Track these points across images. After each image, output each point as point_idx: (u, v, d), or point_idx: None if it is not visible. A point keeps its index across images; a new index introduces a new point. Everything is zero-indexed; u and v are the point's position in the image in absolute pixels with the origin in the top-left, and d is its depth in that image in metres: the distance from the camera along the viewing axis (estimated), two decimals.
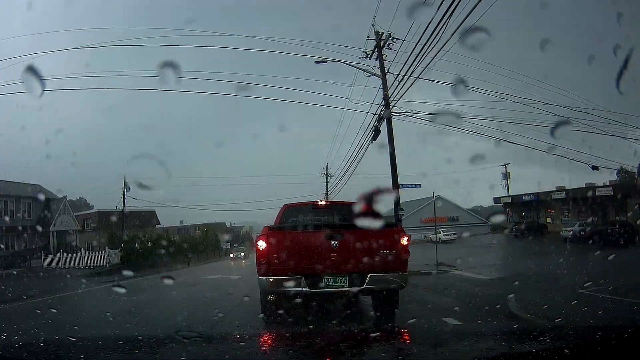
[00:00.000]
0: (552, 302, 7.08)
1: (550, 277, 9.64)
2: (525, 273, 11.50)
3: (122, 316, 7.46)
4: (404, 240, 6.04)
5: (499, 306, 7.14)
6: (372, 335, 2.58)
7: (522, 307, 6.90)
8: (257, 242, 6.08)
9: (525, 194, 43.35)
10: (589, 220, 33.66)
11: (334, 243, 5.87)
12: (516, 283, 9.81)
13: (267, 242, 5.92)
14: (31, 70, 3.10)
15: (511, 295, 7.54)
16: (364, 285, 5.81)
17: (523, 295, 7.79)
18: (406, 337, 2.85)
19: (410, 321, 5.80)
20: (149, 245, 31.76)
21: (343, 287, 5.86)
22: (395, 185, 16.18)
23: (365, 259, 5.75)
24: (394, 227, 6.40)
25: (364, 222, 5.13)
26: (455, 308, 7.52)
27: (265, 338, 3.19)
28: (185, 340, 2.38)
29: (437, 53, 12.30)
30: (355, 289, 5.88)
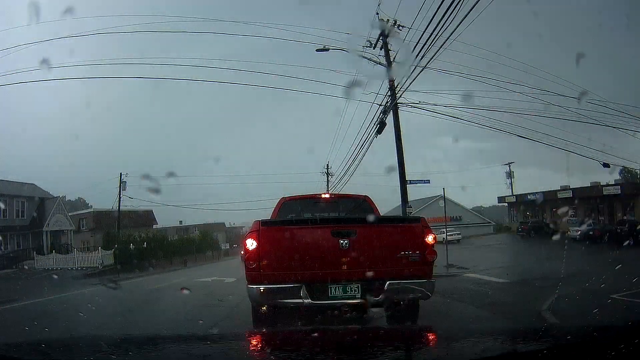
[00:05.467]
0: (589, 310, 6.30)
1: (574, 281, 8.83)
2: (544, 276, 10.68)
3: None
4: (430, 239, 4.85)
5: (534, 319, 6.25)
6: (370, 333, 2.58)
7: (560, 318, 6.08)
8: (245, 240, 4.81)
9: (530, 193, 42.76)
10: (596, 218, 33.14)
11: (344, 242, 4.66)
12: (540, 287, 8.98)
13: (258, 241, 4.69)
14: None
15: (547, 302, 6.67)
16: (381, 296, 4.64)
17: (555, 302, 6.95)
18: (406, 335, 2.76)
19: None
20: (144, 245, 30.89)
21: (354, 297, 4.65)
22: (403, 181, 15.30)
23: (383, 263, 4.64)
24: (417, 222, 5.11)
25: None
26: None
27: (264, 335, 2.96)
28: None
29: (445, 41, 11.71)
30: (369, 300, 4.64)
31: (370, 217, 5.26)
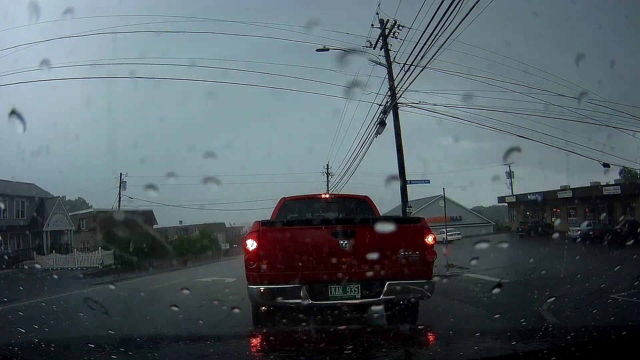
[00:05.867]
0: (589, 310, 6.29)
1: (574, 281, 8.80)
2: (544, 276, 10.63)
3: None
4: (430, 239, 4.90)
5: (534, 319, 6.24)
6: (370, 333, 2.57)
7: (560, 318, 6.07)
8: (245, 240, 4.88)
9: (530, 193, 42.74)
10: (595, 218, 33.12)
11: (344, 243, 4.71)
12: (540, 288, 8.96)
13: (258, 242, 4.77)
14: None
15: (549, 300, 6.67)
16: (381, 296, 4.68)
17: (555, 302, 6.94)
18: (405, 335, 2.71)
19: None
20: (144, 246, 30.83)
21: (354, 298, 4.72)
22: (403, 180, 15.30)
23: (383, 263, 4.64)
24: (416, 222, 5.18)
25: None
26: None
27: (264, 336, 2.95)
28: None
29: (445, 41, 11.75)
30: (369, 301, 4.68)
31: (370, 218, 5.38)
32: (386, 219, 6.63)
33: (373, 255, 4.66)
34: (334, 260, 4.75)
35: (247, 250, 4.83)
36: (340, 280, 4.71)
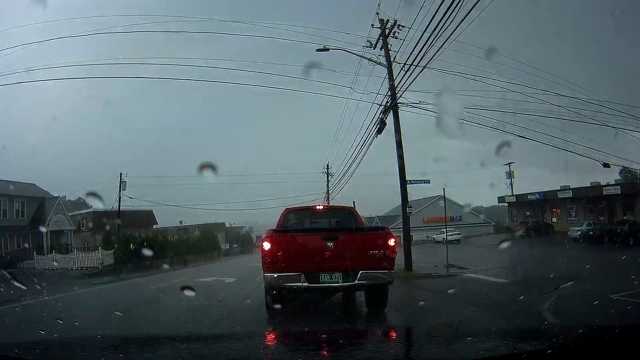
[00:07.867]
0: (589, 310, 6.28)
1: (574, 281, 8.78)
2: (544, 276, 10.62)
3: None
4: (391, 242, 6.74)
5: (534, 319, 6.25)
6: (371, 333, 2.79)
7: (560, 318, 6.07)
8: (262, 243, 6.78)
9: (530, 193, 42.67)
10: (595, 218, 33.11)
11: (330, 244, 6.58)
12: (540, 288, 8.95)
13: (271, 243, 6.58)
14: None
15: (547, 302, 6.68)
16: (356, 281, 6.51)
17: (555, 302, 6.94)
18: (406, 335, 2.88)
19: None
20: (144, 246, 30.85)
21: (337, 282, 6.57)
22: (403, 181, 15.28)
23: (357, 258, 6.51)
24: (382, 230, 7.24)
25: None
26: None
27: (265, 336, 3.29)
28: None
29: (445, 41, 11.76)
30: (348, 284, 6.58)
31: (349, 227, 7.87)
32: (360, 228, 8.51)
33: (350, 253, 6.55)
34: (323, 256, 6.54)
35: (263, 250, 6.63)
36: (327, 270, 6.54)
